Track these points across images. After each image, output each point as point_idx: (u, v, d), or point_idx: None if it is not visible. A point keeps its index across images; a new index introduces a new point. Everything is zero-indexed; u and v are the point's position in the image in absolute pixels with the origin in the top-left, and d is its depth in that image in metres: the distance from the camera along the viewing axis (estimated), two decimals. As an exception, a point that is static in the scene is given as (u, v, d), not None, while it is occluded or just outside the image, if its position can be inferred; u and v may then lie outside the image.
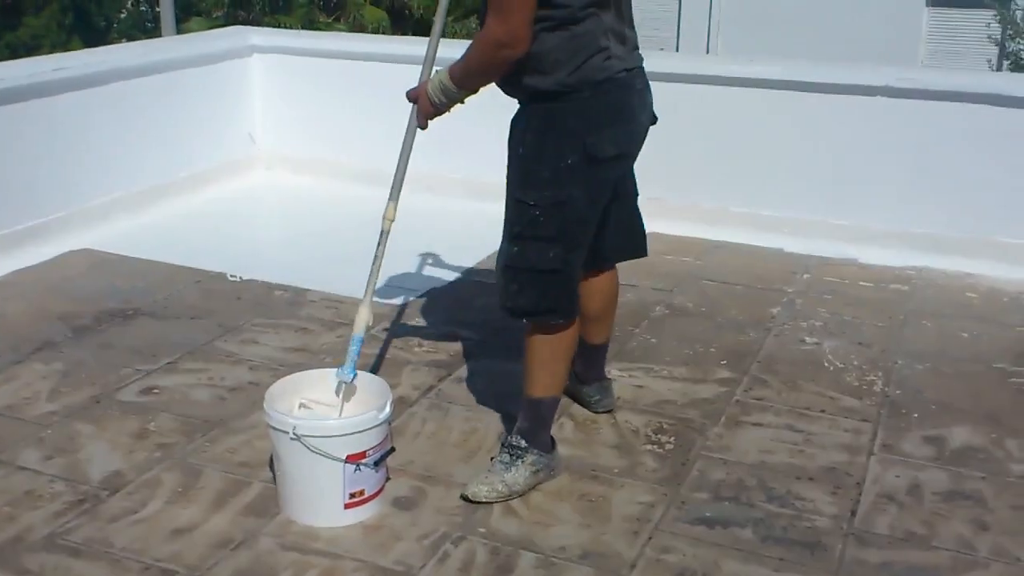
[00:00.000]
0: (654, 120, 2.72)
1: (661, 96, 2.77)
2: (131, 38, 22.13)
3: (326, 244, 4.48)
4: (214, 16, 19.51)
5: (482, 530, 2.49)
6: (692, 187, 4.71)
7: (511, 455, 2.65)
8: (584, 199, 2.54)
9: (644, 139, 2.68)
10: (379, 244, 2.81)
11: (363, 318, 2.74)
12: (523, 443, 2.66)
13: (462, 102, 2.61)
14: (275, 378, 3.23)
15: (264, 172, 5.45)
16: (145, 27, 22.43)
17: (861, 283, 4.14)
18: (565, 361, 2.71)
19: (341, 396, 2.69)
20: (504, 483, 2.60)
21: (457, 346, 3.53)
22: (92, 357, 3.42)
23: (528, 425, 2.69)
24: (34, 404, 3.10)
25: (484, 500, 2.58)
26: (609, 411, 3.06)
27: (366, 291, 2.79)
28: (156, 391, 3.20)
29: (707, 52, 10.37)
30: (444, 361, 3.43)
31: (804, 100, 4.52)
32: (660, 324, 3.74)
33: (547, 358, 2.67)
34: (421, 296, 3.95)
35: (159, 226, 4.70)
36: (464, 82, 2.54)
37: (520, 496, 2.61)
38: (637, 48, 2.65)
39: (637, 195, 2.91)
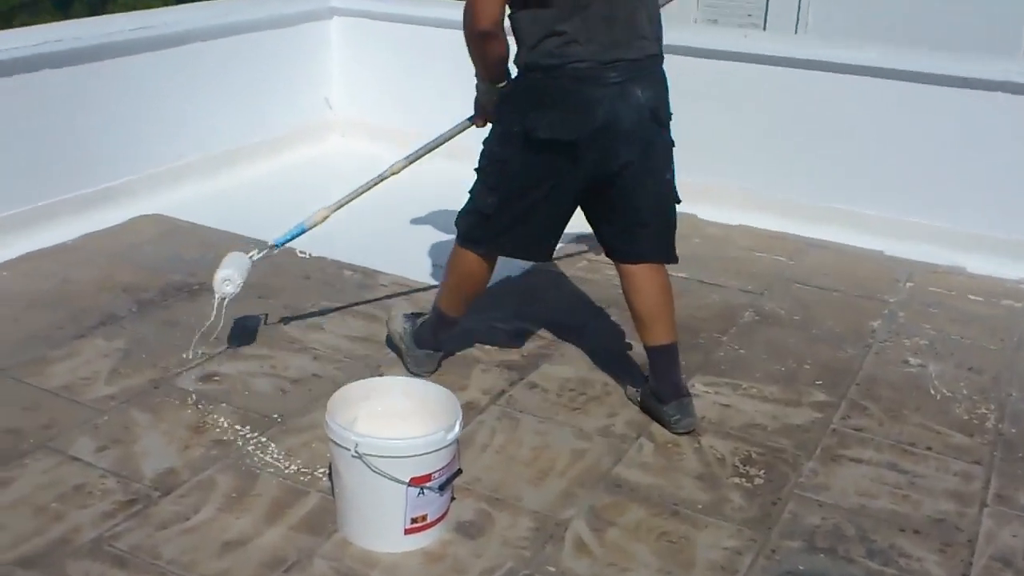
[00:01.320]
0: (659, 118, 2.72)
1: (747, 79, 2.50)
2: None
3: (399, 220, 4.28)
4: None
5: (552, 568, 2.30)
6: (786, 179, 4.41)
7: (409, 315, 3.19)
8: (521, 169, 2.75)
9: (627, 138, 2.68)
10: (369, 183, 3.29)
11: (318, 217, 3.29)
12: (417, 321, 3.15)
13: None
14: (338, 370, 3.13)
15: (339, 139, 5.28)
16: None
17: (970, 296, 3.82)
18: (460, 284, 3.01)
19: (406, 404, 2.51)
20: (393, 322, 3.21)
21: (530, 346, 3.34)
22: (154, 335, 3.30)
23: (428, 319, 3.13)
24: (92, 386, 2.99)
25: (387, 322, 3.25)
26: (691, 432, 2.85)
27: (337, 203, 3.30)
28: (217, 378, 3.06)
29: (796, 31, 9.90)
30: (516, 363, 3.23)
31: (913, 91, 4.17)
32: (749, 332, 3.49)
33: (454, 275, 3.00)
34: (492, 285, 3.75)
35: (230, 193, 4.57)
36: (479, 71, 2.84)
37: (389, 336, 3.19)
38: (646, 39, 2.66)
39: (659, 198, 2.82)
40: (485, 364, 3.22)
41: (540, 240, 2.93)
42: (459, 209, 2.99)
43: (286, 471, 2.62)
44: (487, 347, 3.31)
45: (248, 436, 2.77)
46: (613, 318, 3.50)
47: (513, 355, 3.28)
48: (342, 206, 3.34)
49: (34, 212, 3.92)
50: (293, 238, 3.28)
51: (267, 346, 3.27)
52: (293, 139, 5.02)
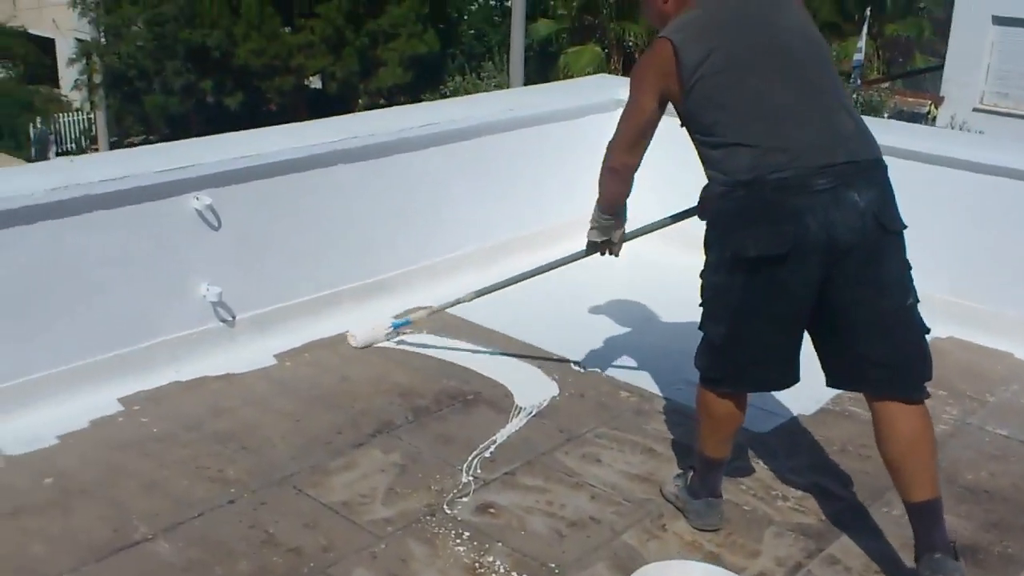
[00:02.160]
0: (885, 224, 2.49)
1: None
2: (479, 32, 23.04)
3: (674, 331, 4.06)
4: (558, 13, 19.73)
5: None
6: None
7: (678, 474, 3.03)
8: (741, 294, 2.58)
9: (847, 249, 2.47)
10: (554, 263, 3.64)
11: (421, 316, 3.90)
12: (687, 475, 2.97)
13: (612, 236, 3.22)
14: (617, 516, 2.94)
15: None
16: (493, 21, 23.23)
17: None
18: (715, 427, 2.81)
19: None
20: (666, 486, 3.04)
21: (828, 506, 3.01)
22: (430, 450, 3.23)
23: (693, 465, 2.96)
24: (370, 506, 2.94)
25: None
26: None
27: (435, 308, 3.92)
28: (492, 511, 2.94)
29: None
30: (812, 528, 2.92)
31: None
32: (1087, 517, 3.01)
33: (706, 418, 2.81)
34: (782, 424, 3.46)
35: (506, 291, 4.50)
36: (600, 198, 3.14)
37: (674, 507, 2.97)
38: (852, 139, 2.52)
39: (895, 319, 2.55)
40: (778, 526, 2.92)
41: (777, 367, 2.70)
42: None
43: (567, 642, 2.44)
44: (779, 503, 3.02)
45: (528, 588, 2.62)
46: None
47: (810, 517, 2.97)
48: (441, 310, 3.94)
49: (318, 301, 3.98)
50: (400, 326, 3.93)
51: (543, 476, 3.12)
52: (568, 229, 4.90)
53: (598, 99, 4.90)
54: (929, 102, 15.07)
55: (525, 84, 17.04)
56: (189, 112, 18.65)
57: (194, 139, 3.87)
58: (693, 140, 2.68)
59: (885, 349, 2.55)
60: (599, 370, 3.77)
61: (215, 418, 3.36)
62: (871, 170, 2.54)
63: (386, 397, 3.54)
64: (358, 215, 4.05)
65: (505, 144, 4.51)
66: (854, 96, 13.71)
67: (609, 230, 3.21)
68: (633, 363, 3.82)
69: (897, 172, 2.62)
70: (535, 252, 4.72)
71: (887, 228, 2.51)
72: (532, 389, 3.63)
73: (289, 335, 3.87)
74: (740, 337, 2.64)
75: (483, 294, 3.80)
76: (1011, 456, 3.28)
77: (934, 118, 14.64)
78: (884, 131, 2.93)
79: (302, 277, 3.92)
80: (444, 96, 14.35)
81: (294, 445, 3.23)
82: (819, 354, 2.68)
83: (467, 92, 13.59)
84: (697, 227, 5.09)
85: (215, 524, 2.83)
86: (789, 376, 2.71)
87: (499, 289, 3.77)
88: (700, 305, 2.73)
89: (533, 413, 3.46)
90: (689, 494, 2.93)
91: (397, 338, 3.91)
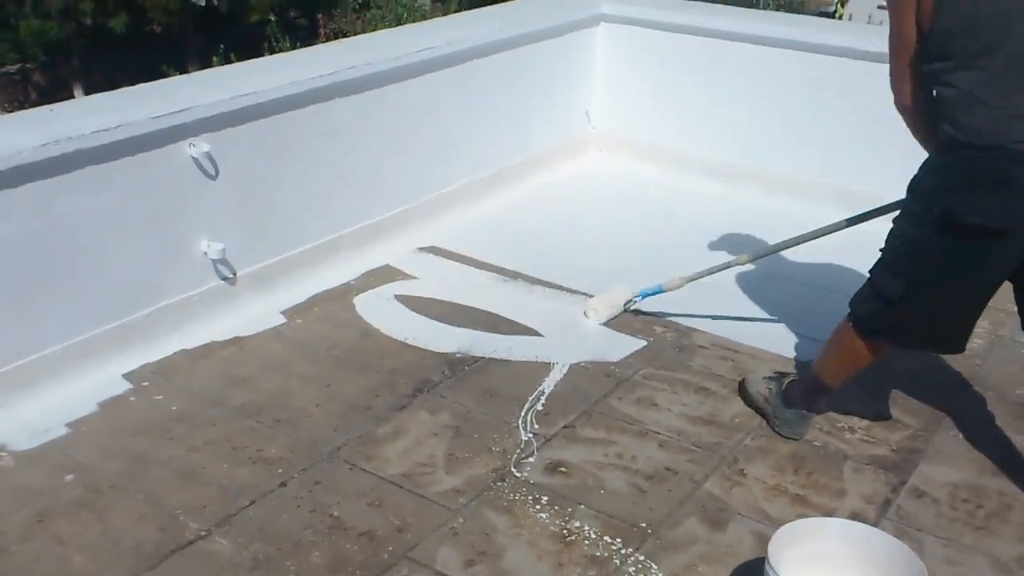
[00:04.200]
0: None
1: None
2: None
3: (692, 258, 3.89)
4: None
5: None
6: None
7: (771, 377, 2.98)
8: (938, 255, 2.44)
9: None
10: (715, 268, 3.40)
11: (675, 283, 3.41)
12: (783, 381, 2.93)
13: None
14: (693, 464, 2.80)
15: (597, 153, 4.92)
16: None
17: None
18: (849, 366, 2.77)
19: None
20: (753, 385, 3.01)
21: (896, 436, 2.94)
22: (479, 407, 3.02)
23: (798, 379, 2.92)
24: (434, 475, 2.72)
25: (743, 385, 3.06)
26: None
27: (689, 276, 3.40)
28: (563, 469, 2.76)
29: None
30: (889, 460, 2.84)
31: None
32: None
33: (840, 354, 2.75)
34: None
35: (498, 219, 4.26)
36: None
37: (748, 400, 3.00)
38: None
39: None
40: (855, 461, 2.83)
41: (952, 332, 2.59)
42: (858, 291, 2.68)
43: (686, 610, 2.31)
44: (848, 435, 2.93)
45: (624, 552, 2.47)
46: (988, 404, 3.08)
47: (882, 448, 2.89)
48: (691, 278, 3.43)
49: (319, 249, 3.68)
50: (651, 295, 3.49)
51: (604, 427, 2.95)
52: (554, 156, 4.68)
53: (583, 14, 4.63)
54: (836, 0, 15.08)
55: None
56: (69, 37, 17.34)
57: (179, 77, 3.49)
58: (923, 72, 2.41)
59: None
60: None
61: (236, 389, 3.07)
62: None
63: (415, 352, 3.30)
64: (357, 152, 3.73)
65: (495, 67, 4.21)
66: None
67: None
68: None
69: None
70: (523, 181, 4.52)
71: None
72: (565, 332, 3.45)
73: (294, 289, 3.57)
74: (923, 298, 2.52)
75: (759, 257, 3.42)
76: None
77: (840, 16, 14.67)
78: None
79: (303, 225, 3.60)
80: (357, 9, 13.62)
81: (332, 414, 2.97)
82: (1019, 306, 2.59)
83: (380, 6, 12.92)
84: (715, 153, 4.93)
85: (272, 512, 2.58)
86: (960, 343, 2.61)
87: (772, 254, 3.39)
88: (881, 250, 2.60)
89: (575, 360, 3.28)
90: (783, 401, 2.89)
91: (633, 306, 3.52)
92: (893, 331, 2.64)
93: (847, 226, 3.09)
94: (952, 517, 2.62)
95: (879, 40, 4.21)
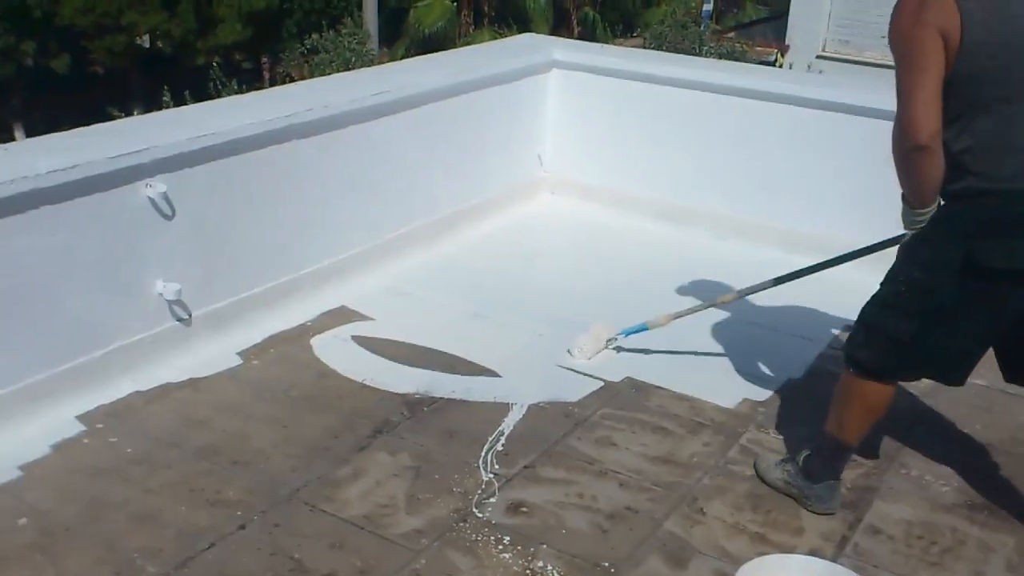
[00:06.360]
0: None
1: None
2: None
3: (647, 291, 3.93)
4: None
5: None
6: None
7: (784, 459, 2.92)
8: (955, 297, 2.46)
9: None
10: (698, 307, 3.50)
11: (660, 321, 3.46)
12: (798, 459, 2.86)
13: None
14: (653, 503, 2.82)
15: (549, 196, 4.98)
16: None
17: None
18: (865, 416, 2.75)
19: None
20: (769, 473, 2.91)
21: (849, 473, 2.98)
22: (439, 447, 3.02)
23: (812, 448, 2.85)
24: (395, 516, 2.71)
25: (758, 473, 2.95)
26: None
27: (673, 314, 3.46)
28: (525, 509, 2.77)
29: None
30: (844, 497, 2.87)
31: None
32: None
33: (854, 405, 2.73)
34: (778, 389, 3.42)
35: (455, 260, 4.29)
36: (906, 193, 2.47)
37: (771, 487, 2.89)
38: None
39: None
40: (811, 499, 2.88)
41: (961, 365, 2.64)
42: (848, 338, 2.75)
43: (651, 647, 2.31)
44: (805, 476, 2.97)
45: (587, 593, 2.47)
46: (930, 440, 3.15)
47: (836, 487, 2.94)
48: (680, 317, 3.50)
49: (276, 290, 3.66)
50: (635, 333, 3.54)
51: (564, 467, 2.97)
52: (508, 198, 4.73)
53: (534, 60, 4.70)
54: (776, 50, 15.50)
55: (379, 41, 16.49)
56: (10, 78, 17.12)
57: (135, 117, 3.47)
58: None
59: None
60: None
61: (192, 431, 3.03)
62: None
63: (374, 393, 3.29)
64: (313, 194, 3.74)
65: (451, 111, 4.26)
66: (713, 47, 13.88)
67: (914, 226, 2.55)
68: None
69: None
70: (478, 224, 4.55)
71: None
72: (523, 372, 3.46)
73: (250, 330, 3.55)
74: (937, 336, 2.53)
75: (743, 295, 3.43)
76: (995, 408, 3.33)
77: (780, 65, 15.06)
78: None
79: (259, 265, 3.59)
80: (305, 53, 13.63)
81: (291, 455, 2.95)
82: (1002, 354, 2.65)
83: (327, 51, 12.96)
84: (663, 195, 5.00)
85: (232, 555, 2.54)
86: (963, 377, 2.66)
87: (761, 291, 3.37)
88: (880, 297, 2.62)
89: (534, 400, 3.29)
90: (806, 479, 2.83)
91: (615, 344, 3.55)
92: (905, 370, 2.68)
93: (830, 267, 3.19)
94: (907, 554, 2.68)
95: (820, 88, 4.42)
